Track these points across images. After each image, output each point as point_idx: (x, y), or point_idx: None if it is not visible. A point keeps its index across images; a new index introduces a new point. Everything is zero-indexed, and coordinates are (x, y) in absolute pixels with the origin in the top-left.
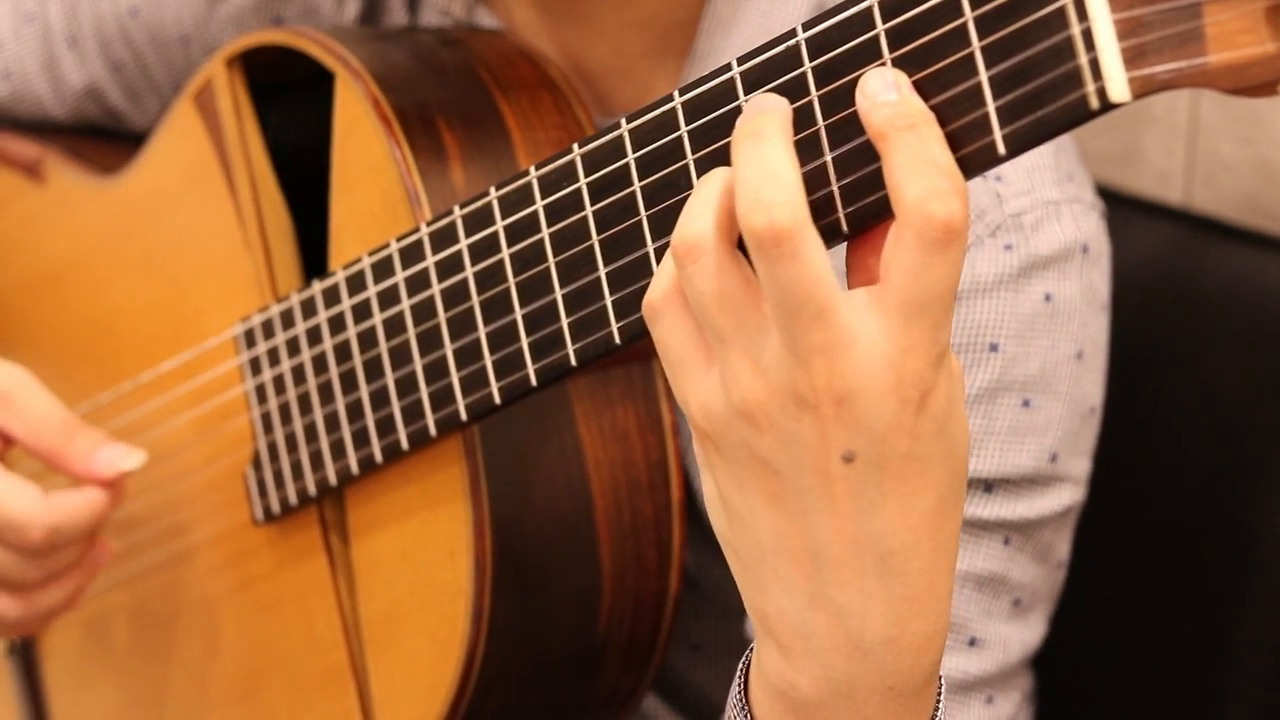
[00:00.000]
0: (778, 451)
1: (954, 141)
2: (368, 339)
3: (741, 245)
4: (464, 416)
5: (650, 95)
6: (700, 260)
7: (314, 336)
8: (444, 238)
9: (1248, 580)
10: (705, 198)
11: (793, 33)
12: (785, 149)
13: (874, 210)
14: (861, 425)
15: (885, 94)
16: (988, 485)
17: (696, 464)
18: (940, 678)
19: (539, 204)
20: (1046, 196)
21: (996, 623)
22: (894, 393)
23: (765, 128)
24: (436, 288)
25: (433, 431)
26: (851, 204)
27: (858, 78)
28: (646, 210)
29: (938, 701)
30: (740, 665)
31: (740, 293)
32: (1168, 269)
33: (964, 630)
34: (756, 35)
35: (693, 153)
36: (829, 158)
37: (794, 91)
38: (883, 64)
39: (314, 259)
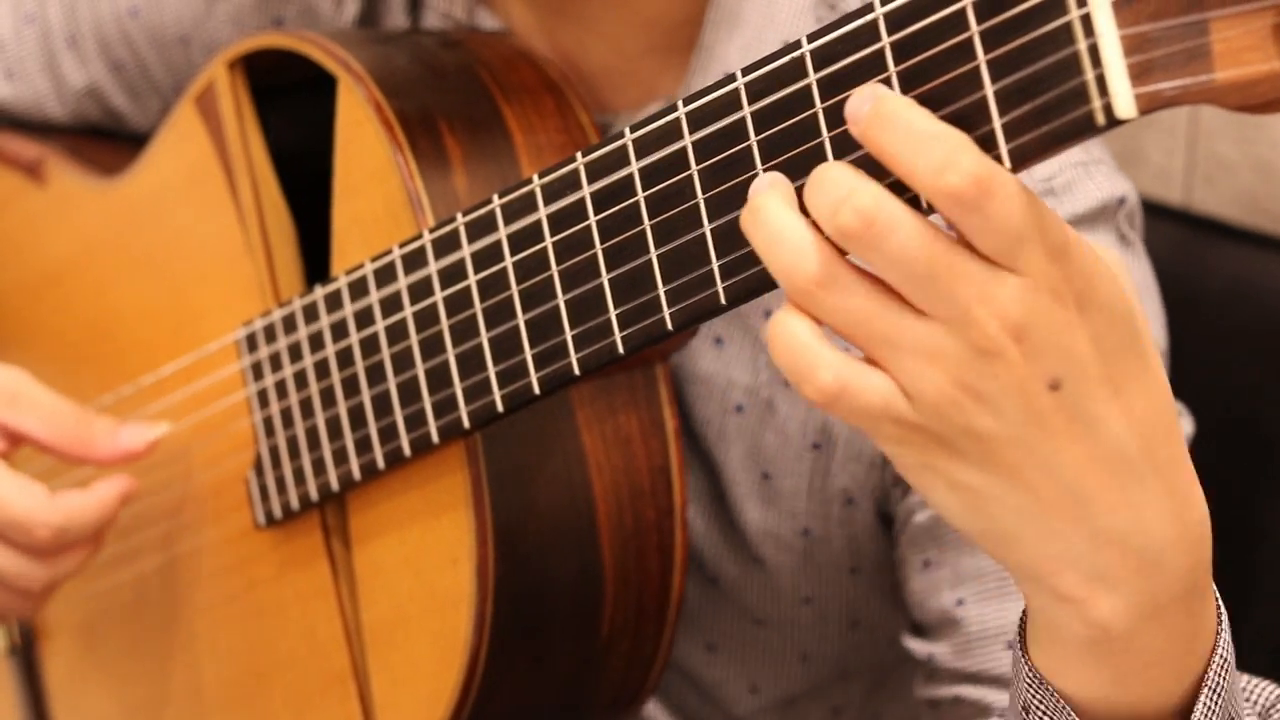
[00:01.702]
0: (994, 418)
1: None
2: (370, 345)
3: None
4: (467, 424)
5: (651, 95)
6: (831, 286)
7: (316, 341)
8: (447, 244)
9: (1248, 580)
10: (786, 242)
11: (797, 44)
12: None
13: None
14: (1047, 348)
15: (860, 108)
16: None
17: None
18: None
19: (542, 212)
20: (1073, 159)
21: None
22: (1056, 306)
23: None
24: (439, 294)
25: (435, 438)
26: None
27: None
28: (650, 220)
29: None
30: (1020, 660)
31: (881, 298)
32: (1168, 269)
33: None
34: (760, 31)
35: (696, 163)
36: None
37: (799, 103)
38: (887, 77)
39: (316, 263)
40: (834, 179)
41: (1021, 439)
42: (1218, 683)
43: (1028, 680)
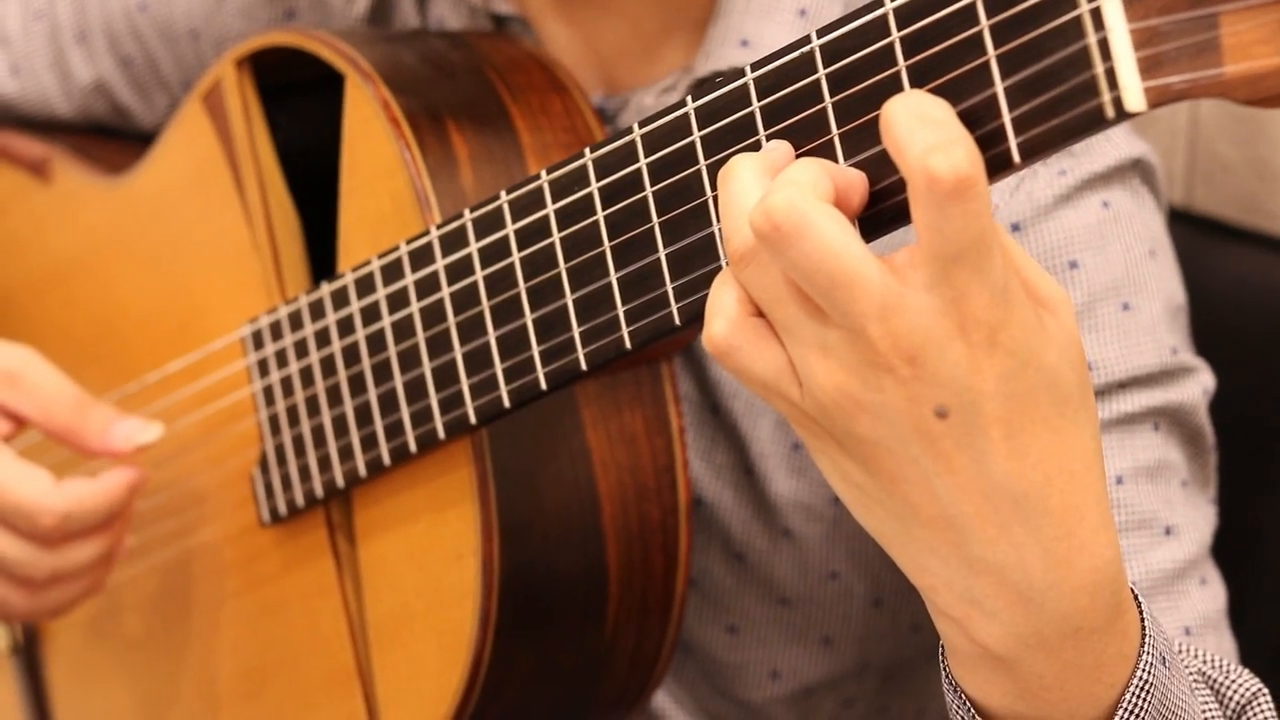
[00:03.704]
0: (878, 427)
1: None
2: (376, 342)
3: None
4: (473, 420)
5: (665, 71)
6: (750, 264)
7: (322, 339)
8: (454, 241)
9: (1248, 580)
10: (729, 209)
11: (807, 39)
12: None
13: (897, 212)
14: (939, 377)
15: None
16: (1122, 385)
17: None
18: (1137, 597)
19: (550, 208)
20: None
21: (1180, 506)
22: (958, 339)
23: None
24: (446, 291)
25: (441, 435)
26: (873, 207)
27: (873, 86)
28: (658, 216)
29: (1142, 621)
30: (940, 658)
31: (793, 288)
32: None
33: (1155, 523)
34: (773, 6)
35: (705, 158)
36: (842, 166)
37: (808, 99)
38: (897, 72)
39: (322, 261)
40: (782, 177)
41: (907, 455)
42: (1135, 703)
43: (946, 683)
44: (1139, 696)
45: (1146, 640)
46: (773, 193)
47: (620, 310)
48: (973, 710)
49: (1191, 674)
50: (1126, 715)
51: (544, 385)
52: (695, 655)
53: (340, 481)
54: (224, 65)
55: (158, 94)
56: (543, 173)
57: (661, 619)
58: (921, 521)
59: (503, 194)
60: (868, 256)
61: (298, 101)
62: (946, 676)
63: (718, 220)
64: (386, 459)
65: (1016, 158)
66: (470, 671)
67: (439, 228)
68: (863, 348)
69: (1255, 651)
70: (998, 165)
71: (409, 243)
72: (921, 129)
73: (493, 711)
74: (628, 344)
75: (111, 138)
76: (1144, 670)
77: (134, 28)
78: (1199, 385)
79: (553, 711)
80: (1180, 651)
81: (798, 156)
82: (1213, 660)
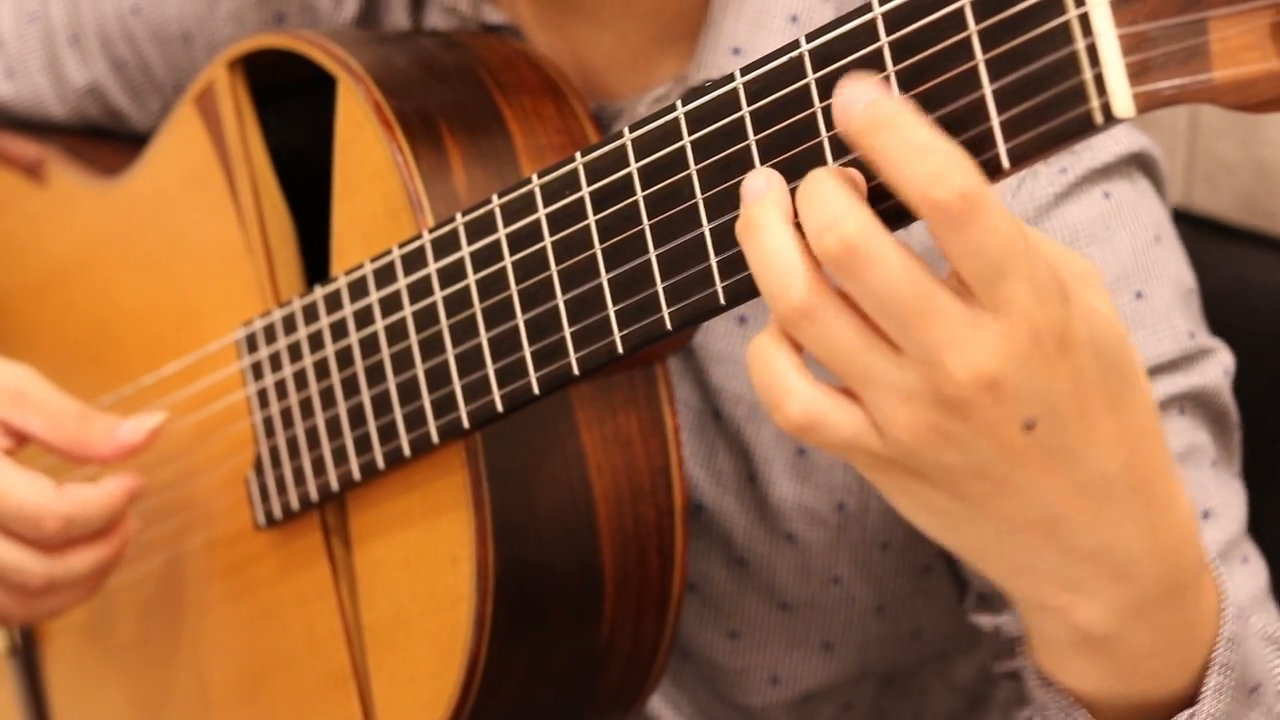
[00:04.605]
0: (965, 455)
1: None
2: (370, 345)
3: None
4: (466, 424)
5: (656, 82)
6: (815, 318)
7: (316, 342)
8: (446, 244)
9: None
10: (775, 265)
11: (796, 44)
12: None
13: (895, 212)
14: (1022, 394)
15: (852, 106)
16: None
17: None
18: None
19: (541, 212)
20: None
21: (1213, 489)
22: (1034, 353)
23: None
24: (439, 294)
25: (435, 438)
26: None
27: None
28: (649, 219)
29: (1219, 579)
30: (1018, 658)
31: (861, 334)
32: None
33: (1194, 508)
34: (766, 4)
35: (695, 163)
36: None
37: (797, 103)
38: (885, 76)
39: (316, 263)
40: (825, 198)
41: (997, 474)
42: (1228, 658)
43: (1036, 680)
44: (1228, 651)
45: (1224, 594)
46: (840, 221)
47: (611, 313)
48: (1072, 702)
49: (1255, 634)
50: (1219, 669)
51: (536, 389)
52: (695, 660)
53: (334, 485)
54: (216, 67)
55: (151, 97)
56: (534, 176)
57: (658, 620)
58: (1016, 529)
59: (494, 197)
60: (940, 282)
61: (290, 104)
62: (1036, 674)
63: (708, 223)
64: (380, 462)
65: (1006, 163)
66: (466, 675)
67: (431, 231)
68: (942, 381)
69: None
70: (988, 171)
71: (401, 246)
72: (913, 160)
73: (489, 714)
74: (619, 348)
75: (106, 139)
76: (1230, 622)
77: (127, 31)
78: (1219, 365)
79: (549, 713)
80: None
81: (789, 159)
82: (1270, 626)
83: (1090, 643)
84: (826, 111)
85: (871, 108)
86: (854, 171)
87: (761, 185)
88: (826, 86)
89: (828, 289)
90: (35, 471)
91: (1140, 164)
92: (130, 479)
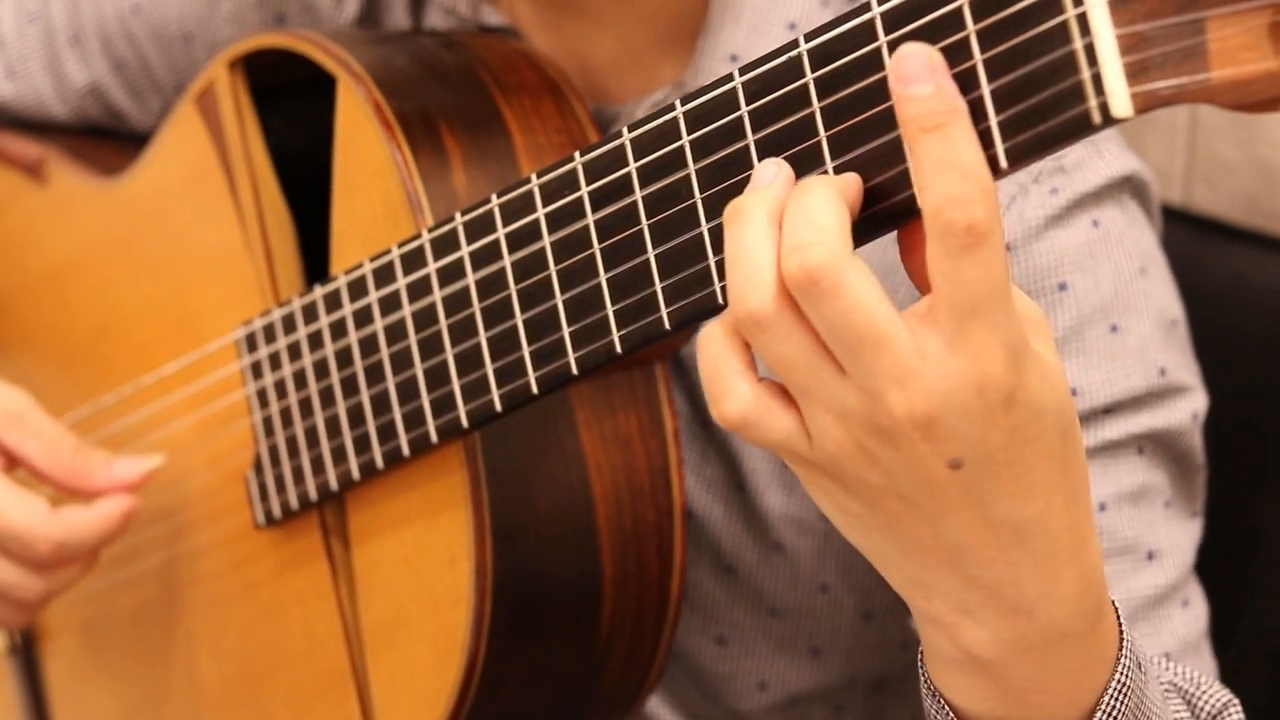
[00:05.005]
0: (886, 478)
1: None
2: (369, 344)
3: None
4: (465, 423)
5: (655, 85)
6: (769, 329)
7: (315, 341)
8: (446, 244)
9: (1246, 580)
10: (744, 266)
11: (795, 43)
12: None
13: (892, 212)
14: (954, 438)
15: (918, 86)
16: (1107, 410)
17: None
18: (1115, 606)
19: (540, 211)
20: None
21: (1163, 529)
22: (976, 403)
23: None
24: (438, 294)
25: (434, 438)
26: (868, 209)
27: (860, 90)
28: (648, 219)
29: (1120, 626)
30: (918, 664)
31: (810, 351)
32: None
33: (1138, 548)
34: (765, 13)
35: (694, 162)
36: (829, 168)
37: (796, 103)
38: (883, 76)
39: (315, 263)
40: (804, 215)
41: (908, 496)
42: (1113, 705)
43: (925, 689)
44: (1117, 698)
45: (1125, 644)
46: (809, 246)
47: (610, 313)
48: (951, 714)
49: (1164, 684)
50: (1105, 716)
51: (535, 389)
52: (683, 664)
53: (334, 484)
54: (217, 67)
55: (151, 96)
56: (533, 176)
57: (657, 621)
58: (922, 549)
59: (493, 197)
60: (896, 317)
61: (290, 103)
62: (925, 682)
63: (707, 222)
64: (379, 462)
65: (1004, 163)
66: (464, 675)
67: (430, 231)
68: (879, 413)
69: (1255, 651)
70: None
71: (400, 246)
72: (946, 175)
73: (487, 714)
74: (618, 348)
75: (107, 139)
76: (1122, 673)
77: (127, 31)
78: (1189, 407)
79: (548, 714)
80: (1154, 663)
81: (787, 159)
82: (1185, 674)
83: (975, 664)
84: (825, 111)
85: (933, 102)
86: (851, 176)
87: (769, 176)
88: (825, 86)
89: (786, 304)
90: (31, 493)
91: (1132, 188)
92: (126, 502)
